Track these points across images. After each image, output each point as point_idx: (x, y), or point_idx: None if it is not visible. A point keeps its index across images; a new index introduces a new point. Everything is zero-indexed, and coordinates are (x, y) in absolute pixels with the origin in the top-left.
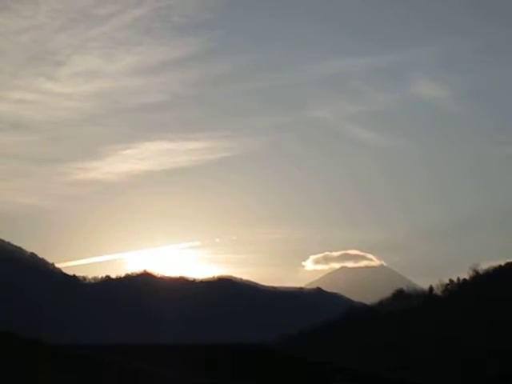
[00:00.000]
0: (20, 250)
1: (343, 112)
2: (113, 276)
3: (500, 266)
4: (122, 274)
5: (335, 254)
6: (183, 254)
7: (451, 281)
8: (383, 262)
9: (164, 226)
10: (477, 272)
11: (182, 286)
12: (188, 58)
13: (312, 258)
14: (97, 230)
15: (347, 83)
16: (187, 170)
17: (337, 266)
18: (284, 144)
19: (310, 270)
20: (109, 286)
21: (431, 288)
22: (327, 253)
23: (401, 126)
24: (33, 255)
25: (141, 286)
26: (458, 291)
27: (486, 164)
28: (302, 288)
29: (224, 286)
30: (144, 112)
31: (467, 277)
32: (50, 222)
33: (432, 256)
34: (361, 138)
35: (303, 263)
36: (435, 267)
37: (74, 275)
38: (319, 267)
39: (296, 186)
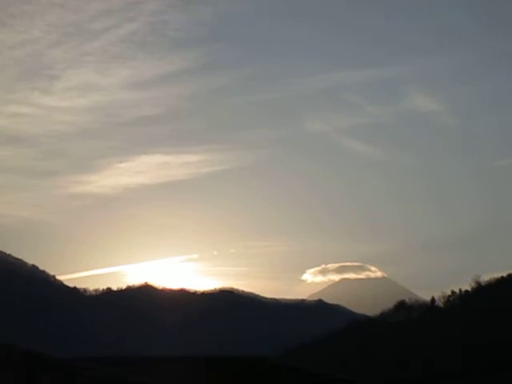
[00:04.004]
0: (21, 263)
1: (340, 125)
2: (114, 288)
3: (502, 278)
4: (123, 286)
5: (335, 265)
6: (182, 267)
7: (453, 292)
8: (385, 274)
9: (161, 238)
10: (479, 283)
11: (184, 298)
12: (183, 72)
13: (311, 270)
14: (95, 242)
15: (344, 96)
16: (183, 183)
17: (336, 278)
18: (281, 157)
19: (309, 282)
20: (110, 297)
21: (433, 300)
22: (325, 265)
23: (398, 139)
24: (34, 267)
25: (142, 298)
26: (460, 303)
27: (486, 176)
28: (303, 300)
29: (226, 298)
30: (139, 125)
31: (469, 288)
32: (47, 234)
33: (434, 268)
34: (358, 151)
35: (302, 275)
36: (437, 279)
37: (75, 287)
38: (318, 279)
39: (293, 198)
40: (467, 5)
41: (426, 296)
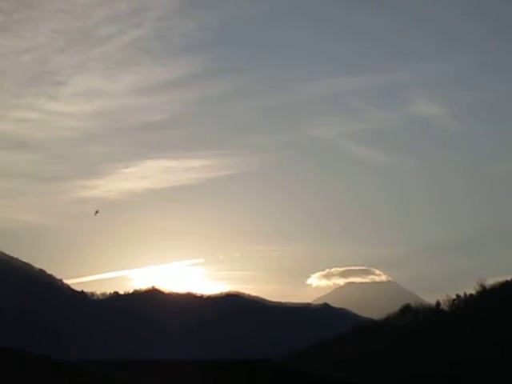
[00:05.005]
0: (29, 267)
1: (344, 130)
2: (121, 292)
3: (506, 282)
4: (130, 290)
5: (339, 270)
6: (187, 271)
7: (458, 296)
8: (390, 278)
9: (167, 243)
10: (483, 287)
11: (191, 301)
12: (188, 77)
13: (316, 274)
14: (101, 247)
15: (348, 102)
16: (188, 188)
17: (341, 282)
18: (286, 162)
19: (314, 287)
20: (117, 301)
21: (438, 303)
22: (330, 269)
23: (401, 144)
24: (41, 271)
25: (149, 301)
26: (465, 306)
27: (491, 180)
28: (309, 303)
29: (232, 302)
30: (145, 130)
31: (474, 292)
32: (53, 239)
33: (439, 271)
34: (362, 156)
35: (307, 280)
36: (442, 282)
37: (83, 291)
38: (323, 283)
39: (298, 203)
40: (470, 10)
41: (431, 299)
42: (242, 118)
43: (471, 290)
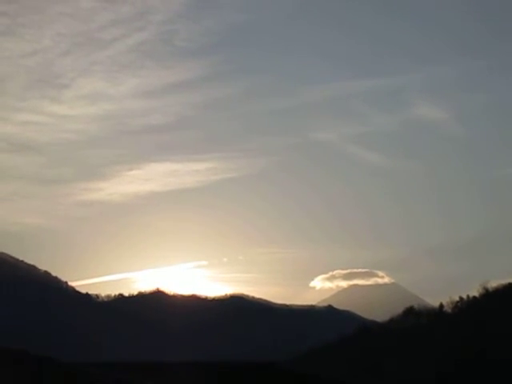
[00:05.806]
0: (34, 269)
1: (347, 133)
2: (125, 294)
3: (510, 284)
4: (135, 292)
5: (343, 272)
6: (191, 274)
7: (461, 298)
8: (393, 280)
9: (171, 245)
10: (487, 290)
11: (195, 303)
12: (192, 81)
13: (319, 276)
14: (106, 249)
15: (350, 105)
16: (192, 191)
17: (344, 284)
18: (289, 165)
19: (318, 289)
20: (122, 303)
21: (441, 305)
22: (333, 272)
23: (404, 147)
24: (46, 273)
25: (154, 304)
26: (468, 309)
27: (493, 183)
28: (313, 306)
29: (237, 304)
30: (148, 133)
31: (477, 294)
32: (59, 241)
33: (442, 274)
34: (365, 159)
35: (311, 282)
36: (445, 285)
37: (87, 293)
38: (327, 286)
39: (301, 206)
40: (473, 13)
41: (434, 302)
42: (246, 121)
43: (474, 292)
